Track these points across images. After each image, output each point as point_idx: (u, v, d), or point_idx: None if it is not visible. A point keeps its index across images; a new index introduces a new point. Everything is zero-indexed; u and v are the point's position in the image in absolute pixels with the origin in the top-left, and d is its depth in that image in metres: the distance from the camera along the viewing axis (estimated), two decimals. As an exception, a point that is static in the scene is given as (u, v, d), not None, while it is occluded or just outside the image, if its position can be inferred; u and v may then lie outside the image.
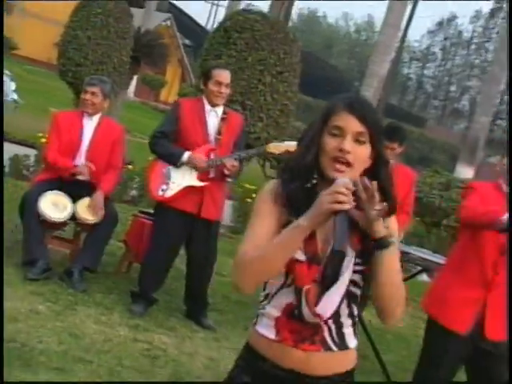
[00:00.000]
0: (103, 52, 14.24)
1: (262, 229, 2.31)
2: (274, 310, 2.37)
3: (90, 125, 6.51)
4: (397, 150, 6.38)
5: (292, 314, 2.34)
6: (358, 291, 2.38)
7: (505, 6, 47.16)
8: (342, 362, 2.41)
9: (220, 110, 6.08)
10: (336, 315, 2.35)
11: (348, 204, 2.14)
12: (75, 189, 6.29)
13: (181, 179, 5.96)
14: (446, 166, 23.79)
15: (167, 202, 5.97)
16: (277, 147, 5.95)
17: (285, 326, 2.35)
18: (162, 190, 5.99)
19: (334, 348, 2.37)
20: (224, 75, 6.03)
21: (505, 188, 4.29)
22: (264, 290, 2.42)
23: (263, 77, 10.55)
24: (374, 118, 2.30)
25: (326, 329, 2.35)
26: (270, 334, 2.37)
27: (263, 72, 10.58)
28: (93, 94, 6.44)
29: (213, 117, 6.05)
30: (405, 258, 5.99)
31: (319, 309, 2.31)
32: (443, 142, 41.48)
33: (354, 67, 69.40)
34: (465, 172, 19.22)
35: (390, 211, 2.31)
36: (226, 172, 5.91)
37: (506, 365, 4.15)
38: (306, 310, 2.32)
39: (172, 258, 6.16)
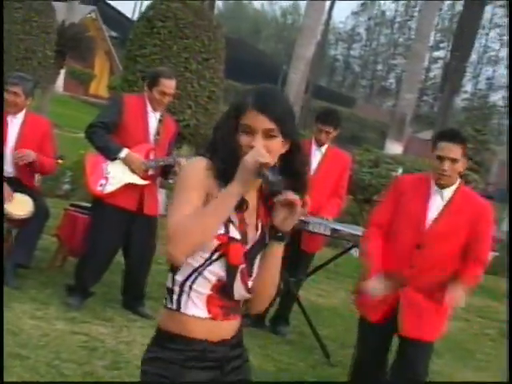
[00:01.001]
0: (26, 47, 13.99)
1: (192, 200, 2.32)
2: (201, 288, 2.37)
3: (14, 123, 6.40)
4: (332, 134, 6.46)
5: (223, 291, 2.38)
6: None
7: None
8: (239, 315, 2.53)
9: (159, 112, 6.09)
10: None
11: (269, 160, 2.25)
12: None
13: (121, 175, 5.90)
14: (377, 144, 24.11)
15: (106, 198, 5.91)
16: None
17: (215, 302, 2.38)
18: (101, 185, 5.91)
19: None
20: (170, 85, 6.01)
21: (432, 182, 4.38)
22: (174, 272, 2.40)
23: (189, 64, 10.50)
24: (282, 112, 2.34)
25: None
26: (202, 313, 2.38)
27: (189, 59, 10.52)
28: (15, 94, 6.31)
29: (152, 118, 6.06)
30: (335, 234, 6.06)
31: (236, 293, 2.40)
32: (373, 121, 41.98)
33: (281, 51, 69.54)
34: (394, 148, 19.51)
35: (302, 190, 2.41)
36: (176, 169, 5.86)
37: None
38: (238, 287, 2.38)
39: (112, 254, 6.10)
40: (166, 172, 6.05)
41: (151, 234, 6.10)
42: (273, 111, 2.32)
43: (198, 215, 2.28)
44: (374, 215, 4.72)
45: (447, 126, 26.80)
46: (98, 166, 5.94)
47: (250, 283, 2.42)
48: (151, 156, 5.98)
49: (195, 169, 2.37)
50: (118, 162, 5.89)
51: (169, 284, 2.42)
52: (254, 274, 2.44)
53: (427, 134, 40.25)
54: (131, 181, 5.90)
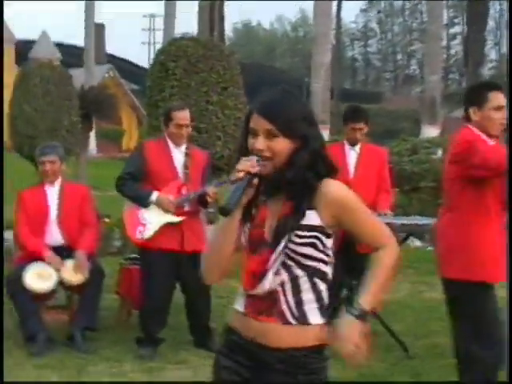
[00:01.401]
0: (52, 118, 14.20)
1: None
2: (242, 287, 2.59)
3: (53, 193, 6.50)
4: (364, 130, 6.40)
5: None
6: (319, 266, 2.50)
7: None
8: (299, 336, 2.48)
9: (183, 146, 6.10)
10: (294, 288, 2.48)
11: (242, 173, 2.41)
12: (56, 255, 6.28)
13: (157, 217, 5.94)
14: (413, 132, 23.89)
15: (148, 244, 5.95)
16: None
17: (249, 299, 2.54)
18: (140, 232, 5.97)
19: (293, 321, 2.47)
20: (183, 116, 6.01)
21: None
22: None
23: (209, 97, 10.56)
24: (280, 112, 2.46)
25: (283, 302, 2.48)
26: (240, 307, 2.57)
27: (208, 92, 10.59)
28: (51, 162, 6.42)
29: (177, 153, 6.07)
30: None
31: (267, 283, 2.49)
32: (404, 110, 41.59)
33: (299, 64, 69.51)
34: (430, 132, 19.30)
35: (333, 175, 2.53)
36: (210, 200, 5.87)
37: None
38: (247, 286, 2.56)
39: (168, 297, 6.10)
40: (203, 203, 6.01)
41: (199, 270, 6.06)
42: (272, 113, 2.46)
43: (210, 241, 2.57)
44: None
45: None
46: (135, 216, 6.01)
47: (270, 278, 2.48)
48: (184, 191, 5.98)
49: None
50: (152, 206, 5.93)
51: None
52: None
53: (461, 112, 39.78)
54: (167, 220, 5.91)
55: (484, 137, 4.26)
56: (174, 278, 6.06)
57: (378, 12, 76.64)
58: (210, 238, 2.53)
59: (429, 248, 10.03)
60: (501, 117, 4.24)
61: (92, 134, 23.90)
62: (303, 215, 2.44)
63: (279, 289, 2.48)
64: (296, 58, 75.66)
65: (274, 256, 2.47)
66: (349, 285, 6.11)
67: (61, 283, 6.28)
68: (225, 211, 2.41)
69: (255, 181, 2.45)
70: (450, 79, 62.30)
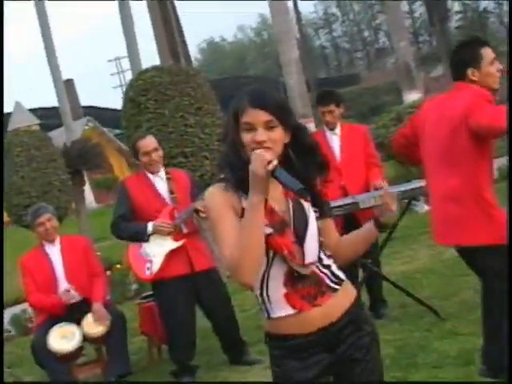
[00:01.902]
0: (41, 183, 14.22)
1: (228, 227, 2.49)
2: (276, 291, 2.57)
3: (54, 251, 6.50)
4: (336, 112, 6.39)
5: (294, 280, 2.55)
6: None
7: None
8: (347, 294, 2.66)
9: (162, 172, 6.09)
10: (320, 260, 2.61)
11: (274, 159, 2.41)
12: (73, 312, 6.27)
13: (159, 249, 5.92)
14: (397, 103, 23.85)
15: (159, 277, 5.92)
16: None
17: (294, 296, 2.55)
18: (148, 269, 5.94)
19: (337, 286, 2.62)
20: (147, 143, 6.01)
21: None
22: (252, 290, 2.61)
23: (186, 120, 10.54)
24: (276, 103, 2.53)
25: (323, 276, 2.60)
26: (288, 311, 2.56)
27: (184, 116, 10.56)
28: (49, 220, 6.44)
29: (159, 181, 6.06)
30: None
31: (307, 258, 2.56)
32: (383, 85, 41.61)
33: (271, 66, 69.57)
34: (411, 97, 19.25)
35: (324, 166, 2.63)
36: (202, 215, 5.82)
37: None
38: (297, 268, 2.55)
39: (191, 323, 6.07)
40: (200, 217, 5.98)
41: (216, 286, 6.08)
42: (268, 104, 2.51)
43: (242, 237, 2.43)
44: None
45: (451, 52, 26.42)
46: (137, 255, 5.99)
47: (306, 256, 2.55)
48: (176, 215, 5.96)
49: (213, 198, 2.55)
50: (151, 240, 5.91)
51: (256, 298, 2.65)
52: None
53: (439, 70, 39.84)
54: (170, 248, 5.89)
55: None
56: (193, 302, 6.04)
57: (335, -4, 76.79)
58: (241, 240, 2.43)
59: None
60: (497, 69, 4.25)
61: (87, 188, 23.91)
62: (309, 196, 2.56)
63: (313, 267, 2.59)
64: (267, 61, 75.79)
65: (307, 232, 2.57)
66: (362, 264, 6.11)
67: (85, 339, 6.27)
68: (305, 191, 2.41)
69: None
70: (420, 42, 62.31)
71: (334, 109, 6.36)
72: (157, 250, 5.91)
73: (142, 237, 5.93)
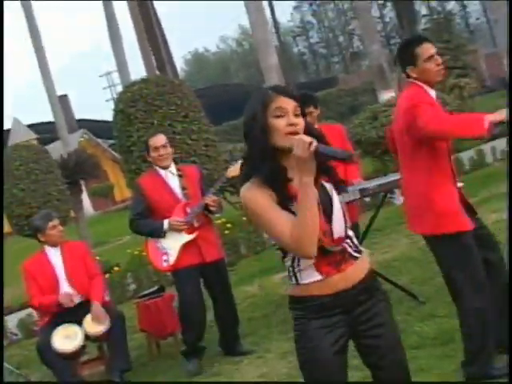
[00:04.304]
0: (41, 193, 14.21)
1: (279, 215, 2.61)
2: (306, 261, 2.69)
3: (56, 256, 6.51)
4: (314, 113, 6.42)
5: (323, 251, 2.67)
6: None
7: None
8: (364, 262, 2.81)
9: (173, 168, 6.17)
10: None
11: (311, 138, 2.52)
12: (75, 313, 6.26)
13: (174, 242, 6.03)
14: (374, 102, 23.90)
15: (177, 266, 6.04)
16: (235, 169, 5.88)
17: (322, 263, 2.69)
18: (166, 261, 6.08)
19: (358, 255, 2.78)
20: (157, 139, 6.13)
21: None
22: (284, 255, 2.74)
23: (174, 128, 10.56)
24: (297, 95, 2.70)
25: (346, 246, 2.75)
26: (316, 277, 2.70)
27: (172, 124, 10.58)
28: (54, 227, 6.44)
29: (171, 177, 6.14)
30: (364, 193, 6.01)
31: (336, 234, 2.71)
32: (359, 85, 41.65)
33: (255, 74, 69.55)
34: (385, 96, 19.30)
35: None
36: (212, 209, 5.99)
37: None
38: (329, 247, 2.70)
39: (201, 304, 6.12)
40: (209, 211, 6.10)
41: (221, 276, 6.19)
42: (292, 93, 2.70)
43: (300, 216, 2.56)
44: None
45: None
46: (155, 249, 6.12)
47: (335, 232, 2.71)
48: (188, 210, 6.05)
49: (254, 197, 2.64)
50: (167, 234, 6.04)
51: (286, 268, 2.76)
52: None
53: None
54: (184, 241, 6.00)
55: (426, 87, 4.25)
56: (200, 287, 6.16)
57: (310, 5, 76.78)
58: (300, 220, 2.56)
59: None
60: (435, 64, 4.24)
61: (85, 196, 23.87)
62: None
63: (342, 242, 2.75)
64: (250, 69, 75.78)
65: (333, 210, 2.71)
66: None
67: (87, 337, 6.28)
68: (350, 155, 2.53)
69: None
70: (392, 44, 62.32)
71: (313, 110, 6.38)
72: (173, 244, 6.03)
73: (159, 233, 6.07)
